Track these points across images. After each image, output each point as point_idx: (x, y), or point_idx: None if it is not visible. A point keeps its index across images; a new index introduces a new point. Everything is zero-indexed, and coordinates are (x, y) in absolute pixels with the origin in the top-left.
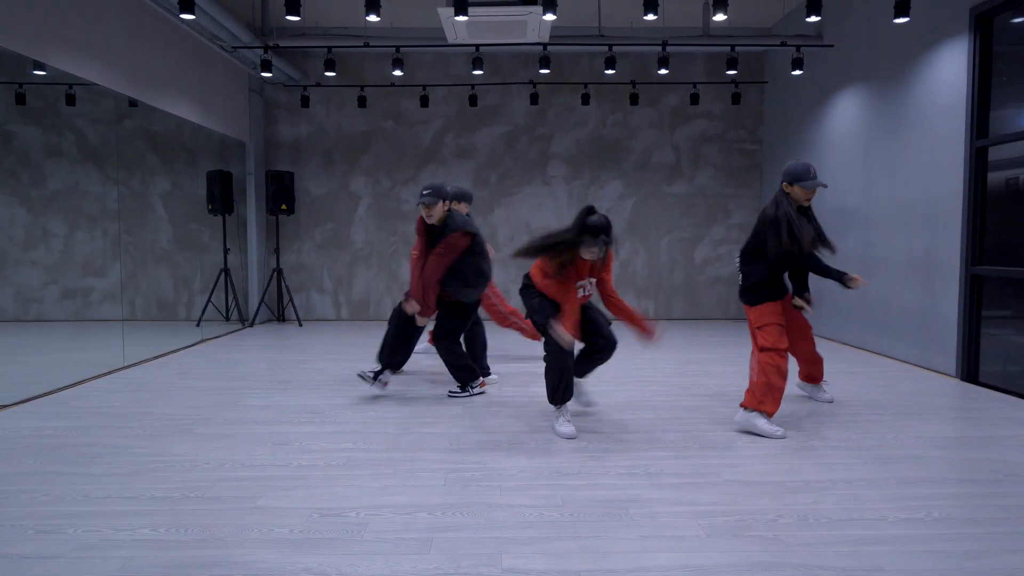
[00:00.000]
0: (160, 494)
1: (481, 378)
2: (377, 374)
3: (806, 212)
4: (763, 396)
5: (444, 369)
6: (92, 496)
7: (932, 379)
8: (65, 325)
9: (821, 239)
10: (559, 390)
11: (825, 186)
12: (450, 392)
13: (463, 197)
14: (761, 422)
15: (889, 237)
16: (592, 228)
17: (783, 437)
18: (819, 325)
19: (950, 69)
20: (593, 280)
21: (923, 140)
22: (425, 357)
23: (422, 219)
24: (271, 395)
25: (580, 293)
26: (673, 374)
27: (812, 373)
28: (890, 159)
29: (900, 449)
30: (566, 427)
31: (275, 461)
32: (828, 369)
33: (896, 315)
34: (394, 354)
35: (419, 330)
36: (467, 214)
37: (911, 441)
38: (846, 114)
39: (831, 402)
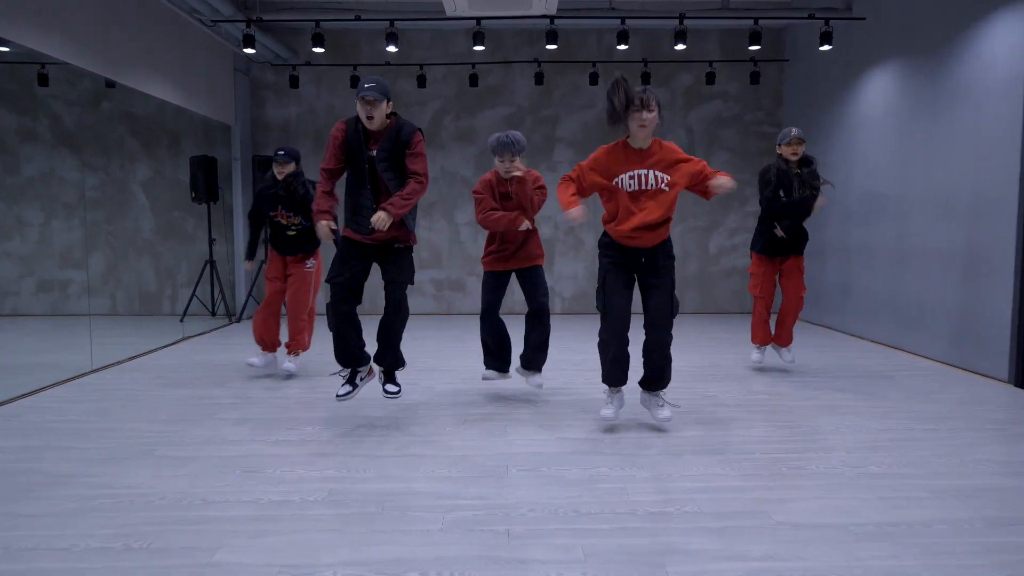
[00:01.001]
0: (98, 544)
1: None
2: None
3: (806, 164)
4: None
5: (448, 381)
6: (14, 547)
7: (981, 384)
8: (41, 320)
9: (803, 184)
10: (603, 367)
11: (795, 133)
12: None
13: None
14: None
15: (925, 227)
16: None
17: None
18: (845, 321)
19: (1004, 41)
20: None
21: (969, 122)
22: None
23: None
24: (250, 406)
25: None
26: (694, 378)
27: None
28: (929, 143)
29: (974, 478)
30: (605, 409)
31: (242, 495)
32: (862, 368)
33: (933, 312)
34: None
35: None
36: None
37: (984, 467)
38: (878, 93)
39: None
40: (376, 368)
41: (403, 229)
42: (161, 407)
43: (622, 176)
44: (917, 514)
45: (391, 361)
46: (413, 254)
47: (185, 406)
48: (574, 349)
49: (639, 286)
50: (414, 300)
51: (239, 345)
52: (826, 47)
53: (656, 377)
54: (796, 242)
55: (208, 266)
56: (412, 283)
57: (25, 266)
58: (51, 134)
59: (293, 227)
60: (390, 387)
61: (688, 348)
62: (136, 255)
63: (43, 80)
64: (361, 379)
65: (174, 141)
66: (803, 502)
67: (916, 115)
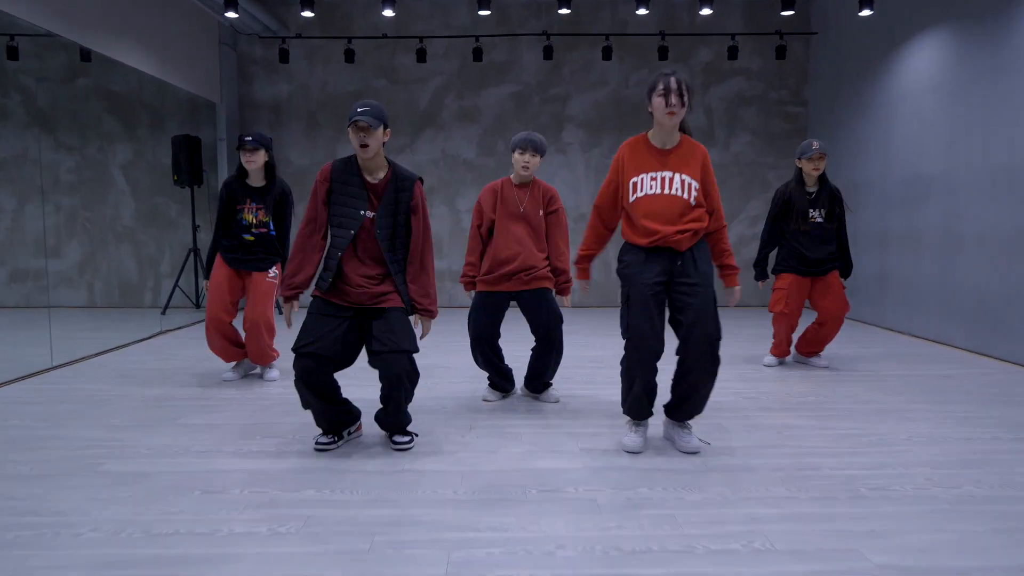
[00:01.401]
0: None
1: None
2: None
3: (823, 184)
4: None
5: (451, 381)
6: None
7: None
8: (14, 312)
9: (803, 216)
10: (625, 398)
11: (818, 147)
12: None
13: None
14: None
15: (982, 210)
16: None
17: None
18: (883, 315)
19: None
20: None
21: None
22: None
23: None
24: (220, 409)
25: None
26: (728, 378)
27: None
28: (987, 116)
29: None
30: (629, 438)
31: (196, 525)
32: (916, 366)
33: (993, 305)
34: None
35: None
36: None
37: None
38: (923, 64)
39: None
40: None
41: (390, 284)
42: (118, 410)
43: (643, 176)
44: None
45: (397, 426)
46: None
47: (146, 409)
48: (589, 344)
49: (671, 303)
50: None
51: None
52: (866, 12)
53: (692, 408)
54: (824, 261)
55: (192, 255)
56: (416, 350)
57: None
58: (23, 112)
59: (255, 229)
60: (399, 438)
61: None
62: (116, 243)
63: (12, 53)
64: (349, 433)
65: (156, 120)
66: (901, 536)
67: (971, 84)
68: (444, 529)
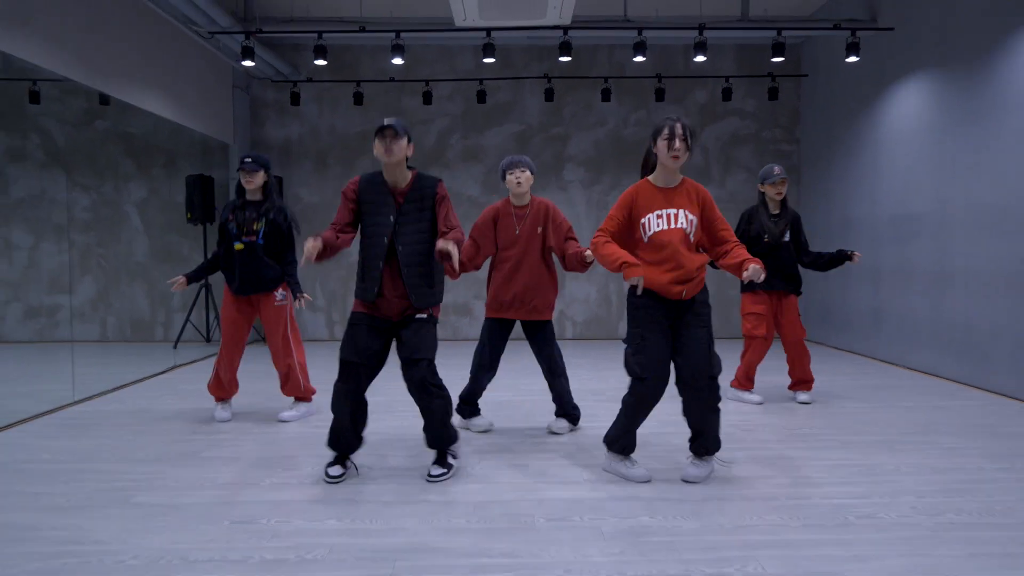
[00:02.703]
0: None
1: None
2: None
3: (784, 208)
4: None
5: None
6: None
7: None
8: (28, 347)
9: (771, 233)
10: (621, 434)
11: (778, 171)
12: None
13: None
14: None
15: (970, 247)
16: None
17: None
18: (877, 348)
19: None
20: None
21: (1019, 134)
22: None
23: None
24: (242, 442)
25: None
26: (726, 411)
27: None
28: (972, 157)
29: None
30: (633, 470)
31: (229, 553)
32: (908, 398)
33: (982, 338)
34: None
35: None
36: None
37: None
38: (909, 107)
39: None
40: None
41: (425, 293)
42: (143, 445)
43: (649, 216)
44: (1020, 575)
45: (439, 442)
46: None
47: (169, 443)
48: (593, 378)
49: (674, 341)
50: None
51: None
52: (853, 58)
53: (711, 441)
54: (792, 281)
55: (203, 290)
56: (433, 358)
57: (12, 291)
58: (42, 153)
59: (244, 237)
60: (435, 470)
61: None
62: (128, 279)
63: (34, 97)
64: (354, 465)
65: (170, 160)
66: (885, 560)
67: (955, 127)
68: (459, 556)
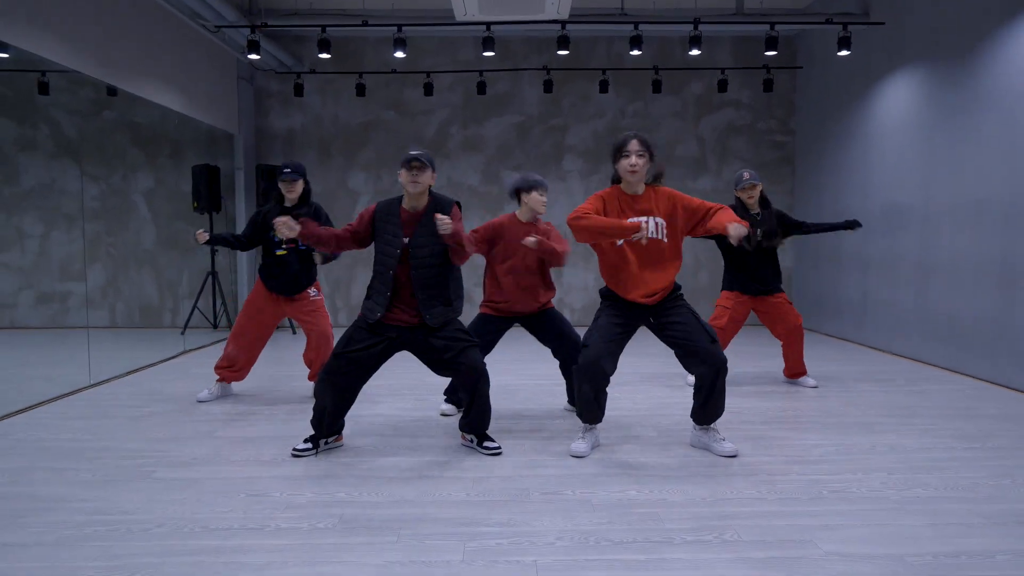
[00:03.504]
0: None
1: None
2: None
3: (765, 206)
4: None
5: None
6: None
7: (1020, 401)
8: (40, 333)
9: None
10: (577, 402)
11: (747, 176)
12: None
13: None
14: None
15: (953, 239)
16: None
17: None
18: (865, 335)
19: None
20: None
21: (1001, 129)
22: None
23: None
24: (253, 422)
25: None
26: None
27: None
28: (956, 151)
29: (1020, 501)
30: (577, 444)
31: (247, 522)
32: (890, 383)
33: (964, 326)
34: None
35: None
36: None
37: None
38: (899, 100)
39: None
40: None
41: (439, 312)
42: (160, 424)
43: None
44: (976, 543)
45: (478, 426)
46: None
47: (185, 423)
48: None
49: (658, 336)
50: None
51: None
52: (844, 52)
53: (712, 410)
54: (766, 283)
55: (210, 277)
56: (477, 341)
57: (24, 278)
58: (52, 143)
59: (285, 244)
60: (488, 444)
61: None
62: (137, 267)
63: (43, 88)
64: (326, 444)
65: (176, 150)
66: (851, 529)
67: (941, 121)
68: (459, 524)
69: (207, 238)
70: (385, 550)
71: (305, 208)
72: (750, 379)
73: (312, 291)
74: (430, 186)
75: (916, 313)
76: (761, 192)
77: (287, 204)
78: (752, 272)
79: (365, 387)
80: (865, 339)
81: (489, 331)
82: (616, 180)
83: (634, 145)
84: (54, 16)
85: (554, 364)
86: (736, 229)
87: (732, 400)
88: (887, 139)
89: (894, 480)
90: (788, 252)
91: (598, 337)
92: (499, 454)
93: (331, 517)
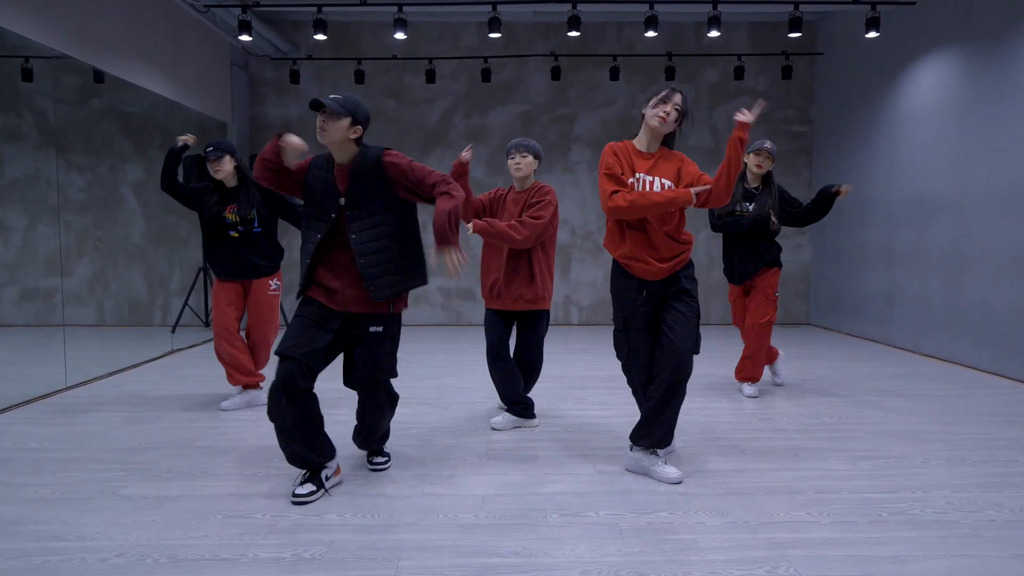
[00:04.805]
0: None
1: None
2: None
3: (767, 184)
4: None
5: (463, 401)
6: None
7: None
8: (24, 331)
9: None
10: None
11: (768, 146)
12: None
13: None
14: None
15: (991, 228)
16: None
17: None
18: (890, 333)
19: None
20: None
21: None
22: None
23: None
24: (238, 431)
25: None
26: (740, 397)
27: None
28: (992, 136)
29: None
30: (667, 469)
31: (220, 550)
32: (926, 386)
33: (1001, 323)
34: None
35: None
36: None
37: None
38: (930, 84)
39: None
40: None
41: (386, 283)
42: (135, 432)
43: (631, 180)
44: None
45: (378, 442)
46: (400, 320)
47: (163, 431)
48: (600, 365)
49: (658, 318)
50: (420, 310)
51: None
52: (873, 34)
53: (663, 431)
54: (750, 263)
55: (202, 273)
56: (394, 375)
57: (7, 273)
58: (36, 132)
59: (240, 227)
60: (377, 459)
61: (722, 362)
62: (126, 262)
63: (27, 75)
64: (327, 478)
65: (167, 140)
66: (926, 562)
67: (975, 106)
68: (467, 554)
69: (193, 140)
70: None
71: (246, 186)
72: (803, 380)
73: (273, 284)
74: (357, 139)
75: (947, 310)
76: (770, 173)
77: (227, 184)
78: (734, 256)
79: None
80: (890, 338)
81: (493, 327)
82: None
83: (677, 98)
84: None
85: (566, 366)
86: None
87: (759, 404)
88: (915, 125)
89: (960, 500)
90: (806, 248)
91: (638, 342)
92: (385, 468)
93: (319, 545)
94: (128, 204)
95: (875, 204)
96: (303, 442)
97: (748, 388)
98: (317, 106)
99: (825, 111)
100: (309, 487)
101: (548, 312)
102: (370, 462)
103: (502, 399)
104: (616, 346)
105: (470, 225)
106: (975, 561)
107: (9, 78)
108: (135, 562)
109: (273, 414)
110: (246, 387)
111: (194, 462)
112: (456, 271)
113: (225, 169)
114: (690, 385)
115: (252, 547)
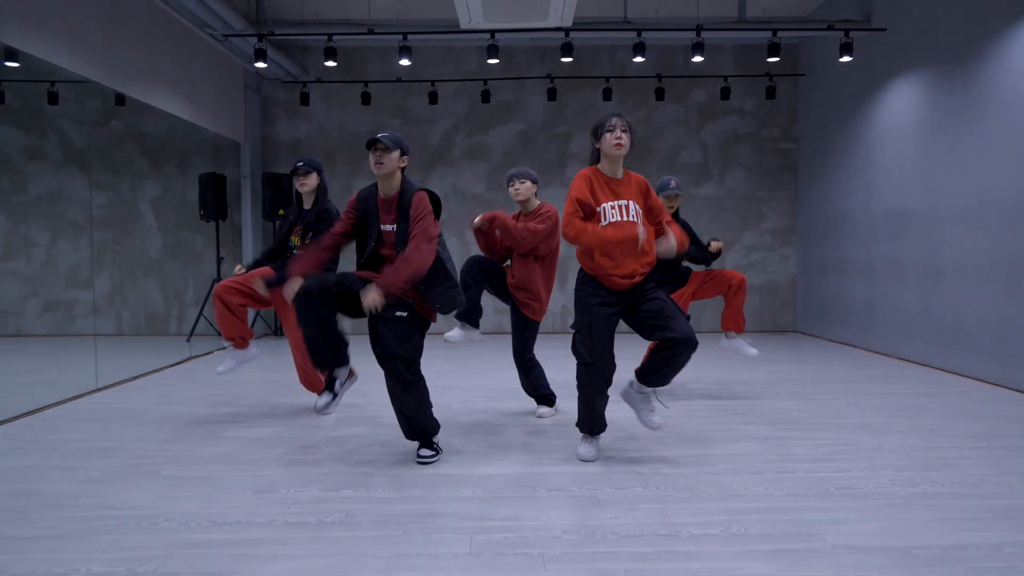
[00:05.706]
0: (100, 568)
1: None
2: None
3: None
4: None
5: (465, 400)
6: (8, 572)
7: None
8: (46, 340)
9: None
10: (583, 415)
11: (678, 194)
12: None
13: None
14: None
15: (959, 240)
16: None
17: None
18: (870, 340)
19: None
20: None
21: (1004, 130)
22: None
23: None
24: (259, 424)
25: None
26: (719, 395)
27: None
28: (960, 153)
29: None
30: (584, 448)
31: (255, 516)
32: (897, 386)
33: (970, 328)
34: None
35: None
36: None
37: None
38: (901, 105)
39: None
40: (351, 374)
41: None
42: (166, 425)
43: (605, 206)
44: (983, 536)
45: (420, 434)
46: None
47: (191, 424)
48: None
49: (633, 316)
50: None
51: (247, 365)
52: (846, 58)
53: (660, 377)
54: (672, 281)
55: (215, 285)
56: (414, 358)
57: (31, 286)
58: (60, 152)
59: (296, 251)
60: (424, 452)
61: (708, 365)
62: (143, 275)
63: (53, 98)
64: (341, 384)
65: (183, 159)
66: (858, 524)
67: (944, 125)
68: (466, 519)
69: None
70: (393, 543)
71: (315, 208)
72: (756, 382)
73: None
74: (402, 169)
75: (921, 317)
76: (677, 209)
77: (305, 206)
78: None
79: (376, 389)
80: (870, 344)
81: (478, 270)
82: (595, 160)
83: (619, 122)
84: (64, 24)
85: (555, 363)
86: (667, 248)
87: (732, 402)
88: (890, 143)
89: (902, 477)
90: (792, 260)
91: (600, 345)
92: (432, 462)
93: (338, 512)
94: (146, 220)
95: (854, 218)
96: (322, 336)
97: (729, 341)
98: (372, 143)
99: (808, 130)
100: (326, 398)
101: (536, 323)
102: (417, 454)
103: (457, 316)
104: (577, 348)
105: (477, 219)
106: (902, 523)
107: (35, 101)
108: (181, 525)
109: (300, 322)
110: (237, 347)
111: (222, 450)
112: (370, 306)
113: (310, 184)
114: (674, 389)
115: (281, 514)
